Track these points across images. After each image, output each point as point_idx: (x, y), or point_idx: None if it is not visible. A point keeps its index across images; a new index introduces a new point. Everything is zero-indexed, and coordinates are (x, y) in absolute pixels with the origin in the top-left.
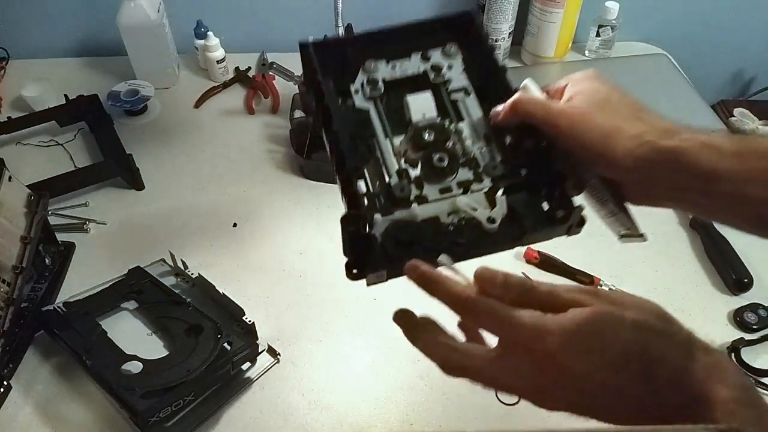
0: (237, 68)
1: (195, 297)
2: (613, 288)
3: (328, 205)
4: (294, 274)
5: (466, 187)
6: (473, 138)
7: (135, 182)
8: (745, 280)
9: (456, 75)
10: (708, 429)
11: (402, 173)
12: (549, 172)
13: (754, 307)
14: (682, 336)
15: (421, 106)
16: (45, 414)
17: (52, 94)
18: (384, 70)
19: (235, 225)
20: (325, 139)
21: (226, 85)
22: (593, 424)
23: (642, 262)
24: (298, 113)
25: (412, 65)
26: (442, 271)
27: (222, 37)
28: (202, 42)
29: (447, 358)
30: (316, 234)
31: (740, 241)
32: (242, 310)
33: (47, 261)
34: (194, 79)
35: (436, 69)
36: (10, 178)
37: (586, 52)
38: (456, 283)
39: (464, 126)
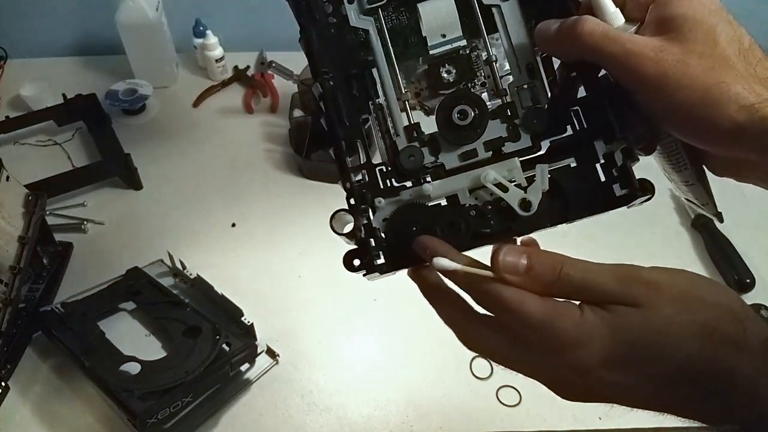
0: (236, 67)
1: (193, 298)
2: None
3: (327, 204)
4: (293, 274)
5: (497, 148)
6: (513, 70)
7: (133, 182)
8: (747, 281)
9: None
10: (708, 429)
11: (412, 130)
12: (611, 128)
13: (756, 308)
14: (759, 342)
15: (441, 19)
16: (43, 415)
17: (50, 94)
18: None
19: (233, 225)
20: (312, 85)
21: (224, 84)
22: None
23: (644, 262)
24: (298, 112)
25: None
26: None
27: (221, 35)
28: (200, 41)
29: (465, 332)
30: (315, 234)
31: (742, 242)
32: (241, 310)
33: (45, 261)
34: (193, 78)
35: None
36: (8, 177)
37: None
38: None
39: (499, 48)
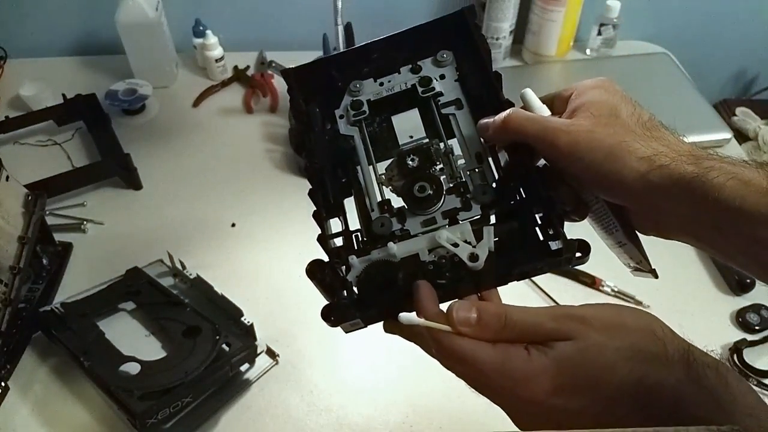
0: (236, 67)
1: (193, 298)
2: (615, 289)
3: None
4: (293, 274)
5: (452, 216)
6: (465, 158)
7: (133, 182)
8: (748, 281)
9: (448, 86)
10: (710, 430)
11: (383, 205)
12: (543, 198)
13: (756, 308)
14: (678, 356)
15: (408, 126)
16: (42, 415)
17: (50, 94)
18: (371, 89)
19: (233, 225)
20: (306, 173)
21: (224, 83)
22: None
23: None
24: None
25: (401, 80)
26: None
27: (220, 35)
28: (200, 40)
29: (442, 364)
30: (315, 234)
31: None
32: (241, 311)
33: (45, 261)
34: (192, 78)
35: (425, 82)
36: (7, 177)
37: (588, 51)
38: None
39: (455, 144)
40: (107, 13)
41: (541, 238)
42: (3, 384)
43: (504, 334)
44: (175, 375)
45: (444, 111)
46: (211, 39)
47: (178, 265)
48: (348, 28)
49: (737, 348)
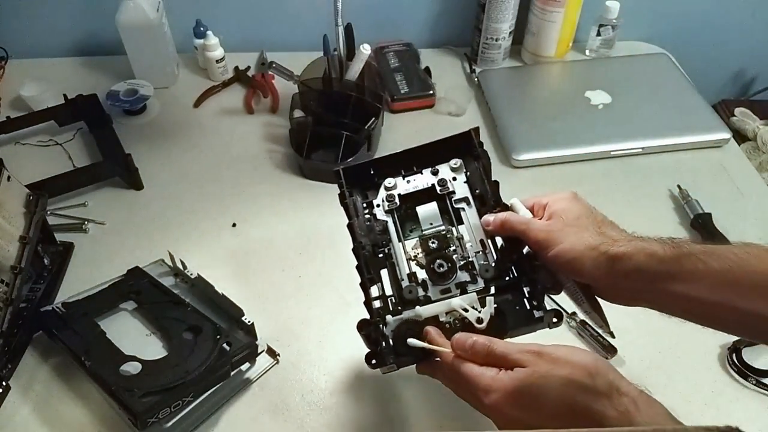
0: (236, 68)
1: (194, 297)
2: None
3: (327, 204)
4: (293, 274)
5: (463, 288)
6: (472, 242)
7: (134, 182)
8: None
9: (459, 186)
10: (709, 429)
11: (411, 276)
12: (530, 278)
13: None
14: (604, 388)
15: (429, 215)
16: (43, 414)
17: (51, 94)
18: (401, 185)
19: (234, 225)
20: (353, 253)
21: (225, 84)
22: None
23: None
24: (298, 113)
25: (424, 179)
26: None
27: (221, 36)
28: (201, 41)
29: (443, 379)
30: (315, 234)
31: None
32: (241, 310)
33: (46, 261)
34: (193, 79)
35: (442, 182)
36: (8, 177)
37: (587, 52)
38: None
39: (464, 231)
40: (108, 14)
41: (528, 307)
42: (4, 383)
43: (488, 359)
44: (176, 374)
45: (456, 206)
46: (212, 40)
47: (179, 265)
48: (348, 29)
49: (736, 348)
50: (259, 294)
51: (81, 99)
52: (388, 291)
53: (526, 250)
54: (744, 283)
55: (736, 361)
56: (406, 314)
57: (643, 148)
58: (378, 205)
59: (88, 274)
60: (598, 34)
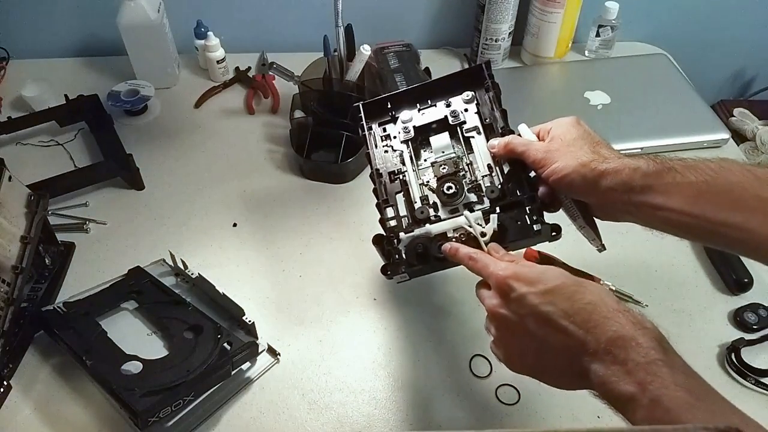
0: (237, 68)
1: (195, 297)
2: (613, 289)
3: (328, 204)
4: (294, 273)
5: (470, 207)
6: (480, 167)
7: (135, 182)
8: (745, 280)
9: (470, 117)
10: (708, 429)
11: (424, 199)
12: (531, 195)
13: (754, 307)
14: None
15: (441, 144)
16: (45, 414)
17: (52, 94)
18: (416, 117)
19: (235, 225)
20: (371, 178)
21: (226, 85)
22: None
23: (642, 262)
24: (298, 113)
25: (438, 111)
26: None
27: (222, 37)
28: (202, 42)
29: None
30: (316, 234)
31: None
32: (242, 310)
33: (47, 261)
34: (194, 79)
35: (454, 114)
36: (10, 178)
37: (586, 53)
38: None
39: (474, 157)
40: (109, 15)
41: (528, 222)
42: (5, 383)
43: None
44: (176, 374)
45: (466, 135)
46: (213, 40)
47: (180, 265)
48: (348, 30)
49: (735, 347)
50: (259, 294)
51: (82, 99)
52: (402, 212)
53: (531, 174)
54: (717, 194)
55: (734, 360)
56: (418, 231)
57: (642, 149)
58: (395, 137)
59: (89, 273)
60: (598, 35)
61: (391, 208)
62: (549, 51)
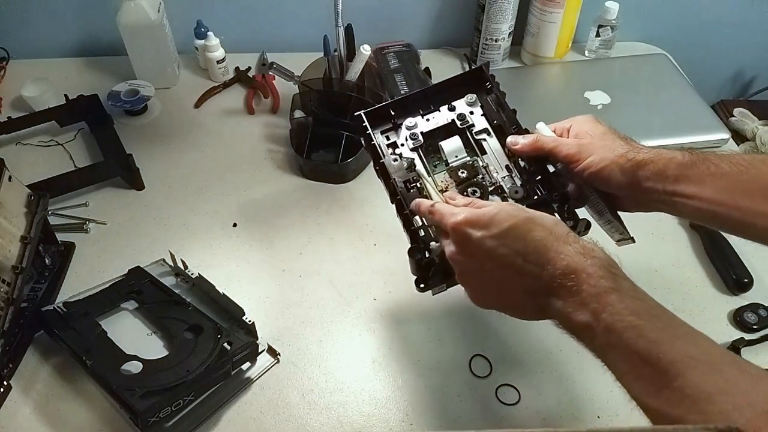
0: (237, 68)
1: (195, 297)
2: None
3: (327, 204)
4: (294, 273)
5: None
6: (497, 168)
7: (135, 182)
8: (745, 280)
9: (477, 119)
10: (708, 429)
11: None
12: (559, 193)
13: (754, 307)
14: (562, 233)
15: (453, 148)
16: (45, 414)
17: (52, 94)
18: (421, 123)
19: (235, 225)
20: (384, 188)
21: (226, 85)
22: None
23: (642, 262)
24: (298, 113)
25: (443, 116)
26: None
27: (222, 37)
28: (202, 42)
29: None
30: (316, 234)
31: (740, 241)
32: (242, 310)
33: (47, 261)
34: (194, 79)
35: (461, 117)
36: (10, 178)
37: (586, 53)
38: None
39: (488, 159)
40: (109, 15)
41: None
42: (5, 383)
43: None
44: (176, 374)
45: (477, 137)
46: (213, 40)
47: (180, 265)
48: (348, 30)
49: (735, 347)
50: (259, 293)
51: (82, 99)
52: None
53: (551, 169)
54: (750, 183)
55: None
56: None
57: None
58: (402, 144)
59: (89, 273)
60: (598, 35)
61: (417, 217)
62: (549, 51)
